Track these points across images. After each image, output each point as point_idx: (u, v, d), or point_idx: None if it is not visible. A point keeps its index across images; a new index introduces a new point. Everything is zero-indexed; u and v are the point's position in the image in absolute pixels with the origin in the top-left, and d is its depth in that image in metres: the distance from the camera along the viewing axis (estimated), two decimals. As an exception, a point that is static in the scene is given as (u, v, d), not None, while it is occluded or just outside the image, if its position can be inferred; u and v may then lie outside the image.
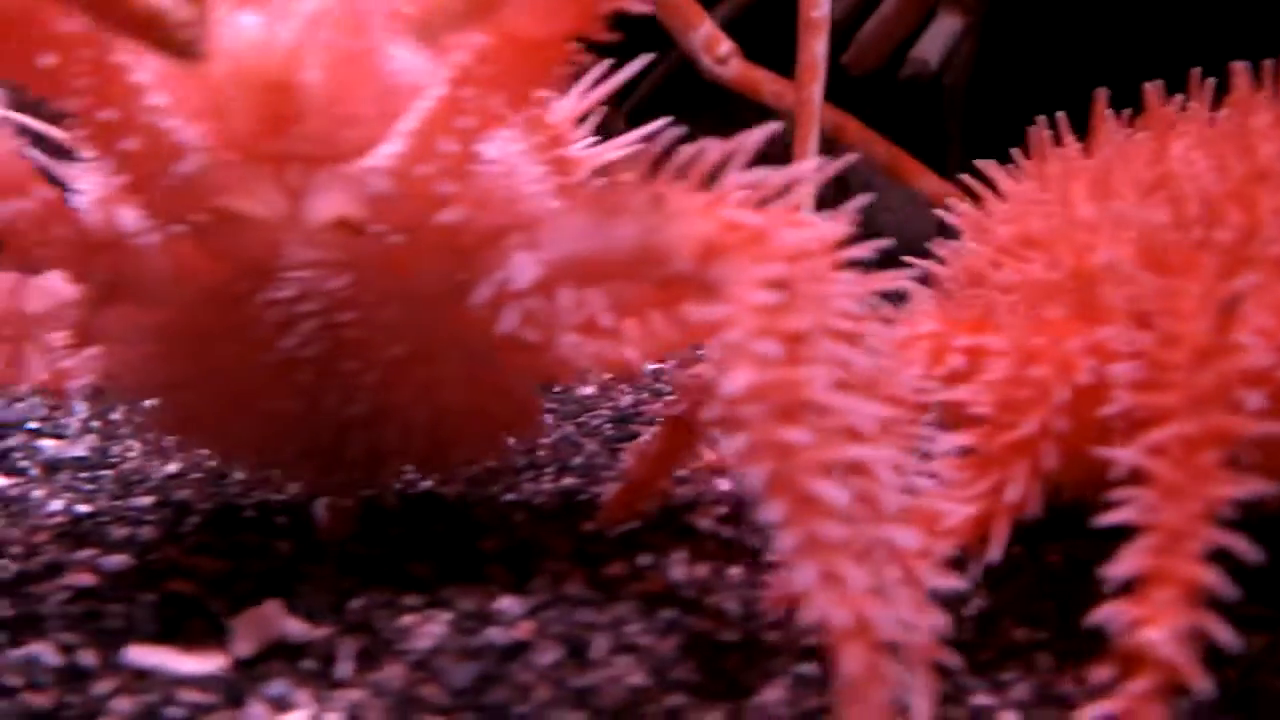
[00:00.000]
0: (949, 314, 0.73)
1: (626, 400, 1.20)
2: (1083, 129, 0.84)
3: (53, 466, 1.04)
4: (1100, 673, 0.54)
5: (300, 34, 0.64)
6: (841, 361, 0.55)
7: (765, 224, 0.56)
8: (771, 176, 0.60)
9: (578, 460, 1.02)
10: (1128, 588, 0.54)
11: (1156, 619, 0.53)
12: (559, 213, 0.65)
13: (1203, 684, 0.52)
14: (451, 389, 0.74)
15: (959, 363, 0.69)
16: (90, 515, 0.92)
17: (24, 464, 1.04)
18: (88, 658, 0.69)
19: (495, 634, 0.71)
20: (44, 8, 0.59)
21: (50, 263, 0.68)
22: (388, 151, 0.65)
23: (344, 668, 0.69)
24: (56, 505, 0.94)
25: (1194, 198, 0.70)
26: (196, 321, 0.72)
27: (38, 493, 0.98)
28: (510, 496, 0.95)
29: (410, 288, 0.69)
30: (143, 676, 0.67)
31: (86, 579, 0.80)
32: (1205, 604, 0.53)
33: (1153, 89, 0.79)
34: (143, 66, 0.62)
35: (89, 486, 0.99)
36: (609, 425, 1.13)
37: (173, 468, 1.02)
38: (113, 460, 1.06)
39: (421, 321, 0.71)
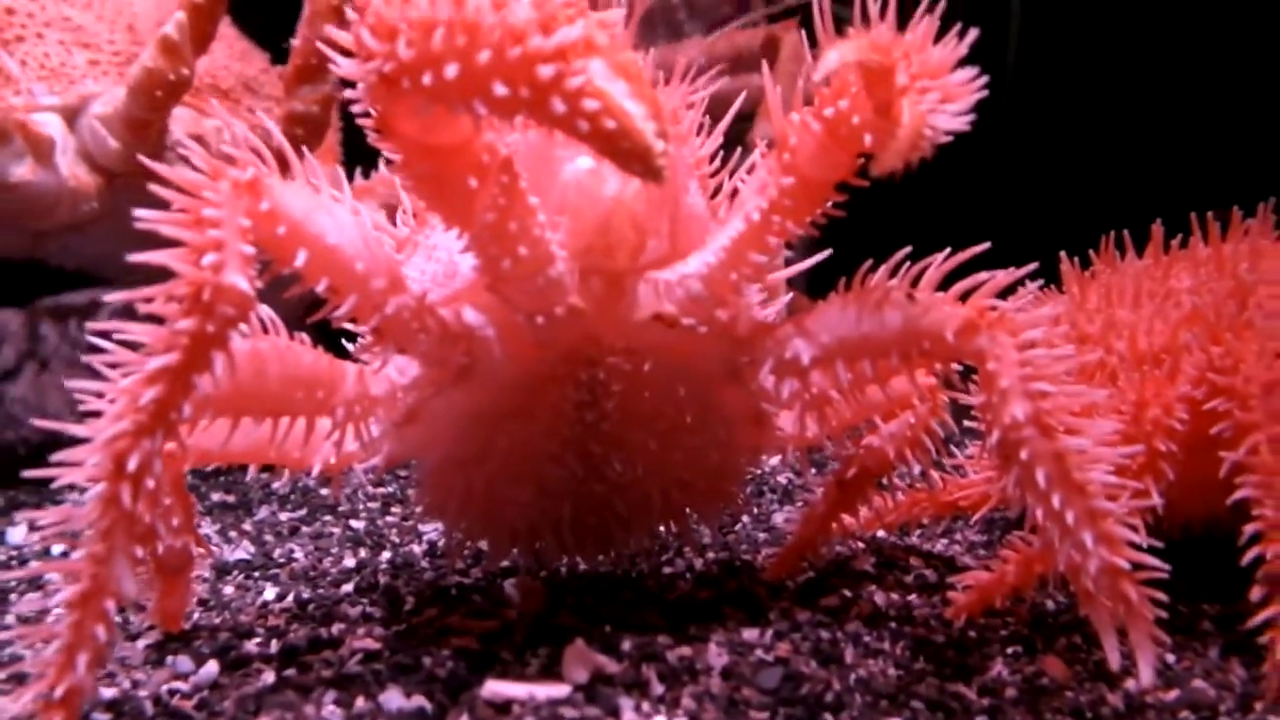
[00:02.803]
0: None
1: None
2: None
3: (223, 570, 1.08)
4: (1256, 593, 0.79)
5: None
6: (1073, 393, 0.79)
7: (1008, 307, 0.81)
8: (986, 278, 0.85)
9: (706, 540, 1.18)
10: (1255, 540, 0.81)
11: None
12: (825, 310, 0.87)
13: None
14: (708, 452, 0.91)
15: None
16: (310, 600, 0.98)
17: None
18: (433, 703, 0.77)
19: (761, 654, 0.87)
20: (475, 144, 0.76)
21: (416, 349, 0.81)
22: (704, 261, 0.84)
23: (658, 687, 0.81)
24: (269, 595, 0.99)
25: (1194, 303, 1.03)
26: (509, 402, 0.86)
27: (229, 589, 1.02)
28: (668, 570, 1.10)
29: (698, 368, 0.88)
30: (506, 708, 0.76)
31: (369, 644, 0.87)
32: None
33: (1157, 228, 1.12)
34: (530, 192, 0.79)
35: (273, 582, 1.04)
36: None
37: (350, 562, 1.09)
38: (280, 561, 1.11)
39: (701, 395, 0.89)
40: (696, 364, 0.88)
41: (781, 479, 1.42)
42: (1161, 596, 0.74)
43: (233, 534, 1.18)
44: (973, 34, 0.77)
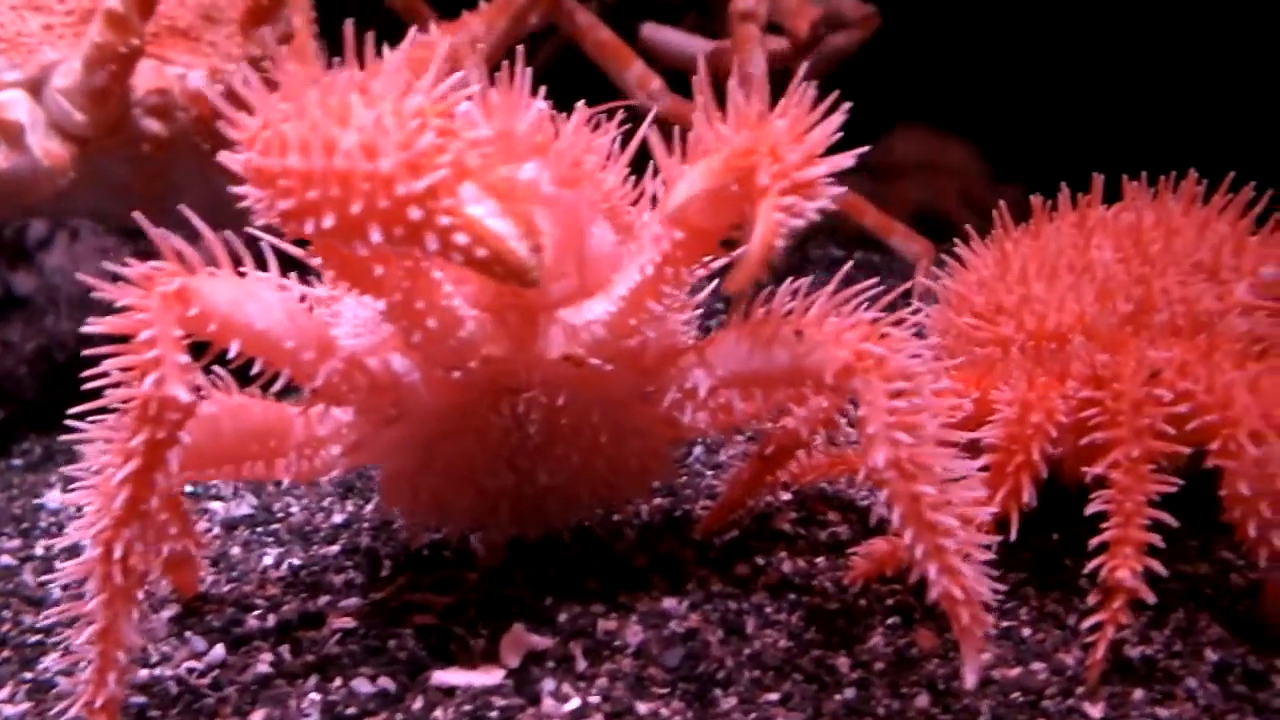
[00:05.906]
0: (964, 374, 1.07)
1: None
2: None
3: (230, 525, 1.25)
4: (1092, 598, 0.91)
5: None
6: (934, 436, 0.87)
7: (884, 353, 0.88)
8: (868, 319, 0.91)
9: (656, 484, 1.30)
10: (1102, 549, 0.92)
11: (1123, 565, 0.90)
12: (722, 341, 0.94)
13: (1150, 597, 0.90)
14: (628, 457, 1.02)
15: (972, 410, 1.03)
16: (303, 566, 1.15)
17: (207, 525, 1.25)
18: (396, 684, 0.95)
19: (675, 625, 1.02)
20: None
21: (349, 401, 0.92)
22: (605, 309, 0.92)
23: (581, 664, 0.97)
24: (269, 560, 1.16)
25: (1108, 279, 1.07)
26: (441, 429, 0.97)
27: (236, 550, 1.20)
28: (617, 517, 1.24)
29: (609, 396, 0.97)
30: (451, 692, 0.94)
31: (346, 622, 1.04)
32: (1148, 554, 0.91)
33: (1095, 190, 1.14)
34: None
35: (273, 540, 1.21)
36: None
37: (338, 519, 1.26)
38: (279, 515, 1.27)
39: (614, 416, 0.99)
40: (607, 392, 0.97)
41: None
42: (990, 620, 0.86)
43: (238, 484, 1.35)
44: (843, 109, 0.80)
